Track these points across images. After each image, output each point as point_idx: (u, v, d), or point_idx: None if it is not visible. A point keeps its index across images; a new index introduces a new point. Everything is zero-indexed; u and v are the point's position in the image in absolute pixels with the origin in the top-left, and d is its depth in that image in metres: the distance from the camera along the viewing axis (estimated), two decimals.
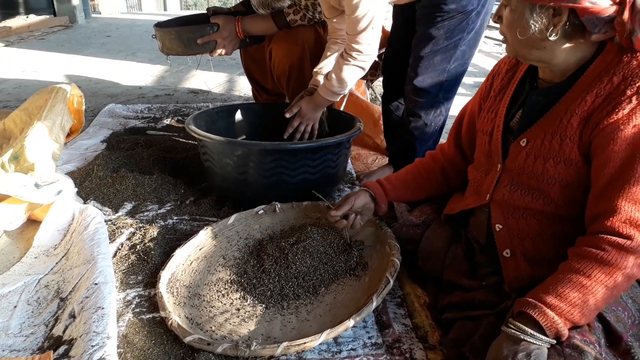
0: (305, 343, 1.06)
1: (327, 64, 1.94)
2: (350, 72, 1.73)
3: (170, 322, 1.17)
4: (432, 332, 1.20)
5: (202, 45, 2.03)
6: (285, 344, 1.06)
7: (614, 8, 0.92)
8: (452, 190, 1.46)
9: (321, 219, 1.57)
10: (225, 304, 1.29)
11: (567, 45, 1.00)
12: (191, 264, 1.43)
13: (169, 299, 1.26)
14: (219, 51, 2.06)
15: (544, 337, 0.91)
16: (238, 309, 1.27)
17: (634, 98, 0.94)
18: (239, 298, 1.30)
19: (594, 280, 0.92)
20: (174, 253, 1.42)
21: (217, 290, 1.34)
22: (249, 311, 1.26)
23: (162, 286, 1.29)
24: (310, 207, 1.64)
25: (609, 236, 0.93)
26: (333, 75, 1.75)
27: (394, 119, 2.11)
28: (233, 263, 1.45)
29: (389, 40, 2.08)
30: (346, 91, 1.80)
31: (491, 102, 1.26)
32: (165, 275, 1.33)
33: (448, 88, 1.84)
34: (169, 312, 1.20)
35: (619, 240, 0.92)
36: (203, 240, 1.51)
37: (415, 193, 1.48)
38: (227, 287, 1.35)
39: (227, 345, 1.08)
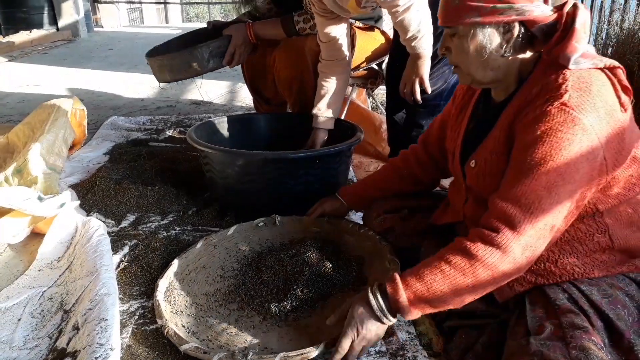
0: (302, 354, 1.05)
1: (324, 103, 1.91)
2: (412, 14, 1.59)
3: (166, 331, 1.16)
4: (436, 340, 1.20)
5: (194, 68, 2.03)
6: (282, 354, 1.05)
7: (555, 15, 0.96)
8: (426, 187, 1.53)
9: (321, 233, 1.56)
10: (222, 314, 1.28)
11: (520, 59, 1.03)
12: (189, 273, 1.41)
13: (166, 307, 1.25)
14: (235, 60, 2.07)
15: (382, 302, 1.02)
16: (236, 320, 1.26)
17: (538, 108, 0.95)
18: (237, 309, 1.30)
19: (454, 267, 0.97)
20: (172, 262, 1.42)
21: (215, 301, 1.33)
22: (246, 322, 1.25)
23: (160, 294, 1.28)
24: (310, 221, 1.63)
25: (480, 229, 0.98)
26: (407, 26, 1.62)
27: (399, 129, 2.09)
28: (231, 274, 1.44)
29: (391, 52, 2.08)
30: (421, 33, 1.63)
31: (454, 121, 1.28)
32: (163, 284, 1.33)
33: (447, 97, 1.84)
34: (166, 320, 1.19)
35: (486, 232, 0.96)
36: (202, 250, 1.50)
37: (386, 192, 1.54)
38: (225, 297, 1.34)
39: (223, 355, 1.07)
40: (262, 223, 1.61)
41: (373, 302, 1.03)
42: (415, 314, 1.01)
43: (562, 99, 0.92)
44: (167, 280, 1.35)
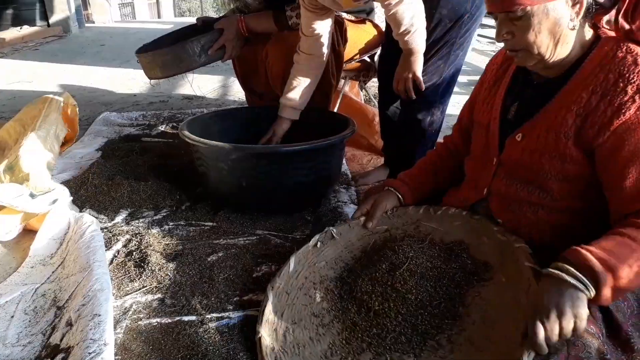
0: None
1: (294, 94, 1.90)
2: (405, 7, 1.56)
3: None
4: None
5: (186, 64, 2.02)
6: None
7: None
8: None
9: (392, 231, 1.33)
10: None
11: (582, 33, 1.01)
12: (284, 335, 1.15)
13: None
14: (228, 54, 2.07)
15: (580, 275, 0.86)
16: None
17: (637, 97, 0.94)
18: (373, 358, 1.04)
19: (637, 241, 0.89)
20: (260, 334, 1.14)
21: (340, 358, 1.07)
22: None
23: None
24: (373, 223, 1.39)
25: None
26: (400, 20, 1.59)
27: (392, 124, 2.08)
28: (331, 319, 1.16)
29: (383, 45, 2.07)
30: (414, 27, 1.61)
31: (486, 94, 1.25)
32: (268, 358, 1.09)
33: (443, 92, 1.84)
34: None
35: None
36: (277, 304, 1.22)
37: (436, 184, 1.42)
38: (346, 349, 1.08)
39: None
40: (319, 243, 1.37)
41: (572, 280, 0.87)
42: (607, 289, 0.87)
43: None
44: (269, 351, 1.11)
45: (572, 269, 0.88)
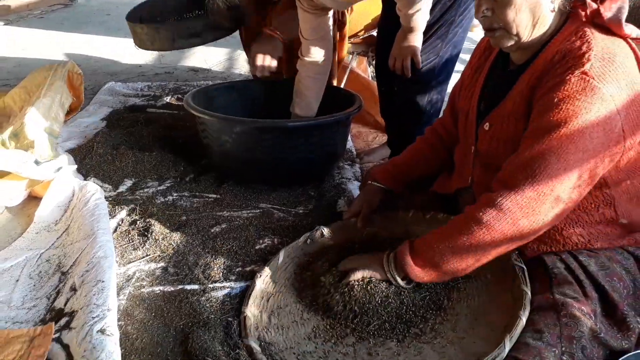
0: (495, 357, 0.90)
1: (305, 104, 1.85)
2: None
3: None
4: None
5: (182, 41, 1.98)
6: None
7: None
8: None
9: (382, 232, 1.37)
10: (348, 355, 1.05)
11: (557, 17, 1.01)
12: (269, 317, 1.19)
13: None
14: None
15: (391, 264, 1.09)
16: (369, 354, 1.04)
17: (559, 76, 0.94)
18: (357, 342, 1.07)
19: (452, 224, 1.03)
20: (245, 314, 1.18)
21: (324, 342, 1.10)
22: (384, 353, 1.03)
23: (260, 356, 1.07)
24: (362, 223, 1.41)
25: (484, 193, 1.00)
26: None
27: (391, 104, 1.99)
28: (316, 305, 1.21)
29: (379, 28, 1.99)
30: (425, 4, 1.55)
31: (469, 80, 1.24)
32: (253, 343, 1.10)
33: (440, 72, 1.78)
34: None
35: (485, 194, 0.99)
36: (263, 288, 1.27)
37: (424, 173, 1.43)
38: (330, 333, 1.11)
39: None
40: (309, 240, 1.40)
41: (385, 263, 1.12)
42: (420, 273, 1.04)
43: (583, 68, 0.92)
44: (255, 336, 1.13)
45: (392, 265, 1.10)
